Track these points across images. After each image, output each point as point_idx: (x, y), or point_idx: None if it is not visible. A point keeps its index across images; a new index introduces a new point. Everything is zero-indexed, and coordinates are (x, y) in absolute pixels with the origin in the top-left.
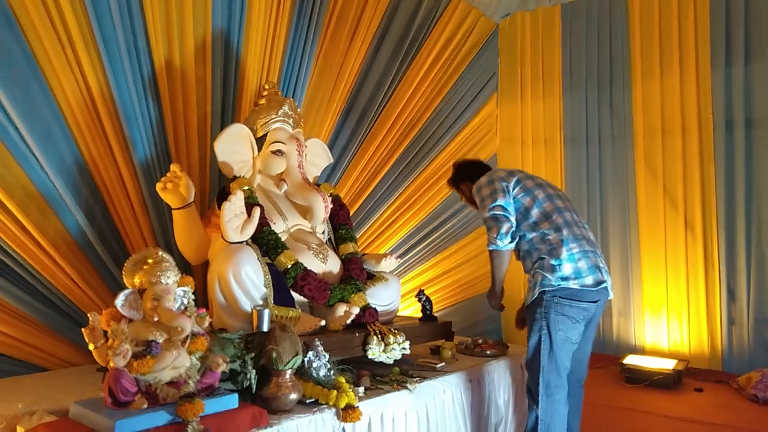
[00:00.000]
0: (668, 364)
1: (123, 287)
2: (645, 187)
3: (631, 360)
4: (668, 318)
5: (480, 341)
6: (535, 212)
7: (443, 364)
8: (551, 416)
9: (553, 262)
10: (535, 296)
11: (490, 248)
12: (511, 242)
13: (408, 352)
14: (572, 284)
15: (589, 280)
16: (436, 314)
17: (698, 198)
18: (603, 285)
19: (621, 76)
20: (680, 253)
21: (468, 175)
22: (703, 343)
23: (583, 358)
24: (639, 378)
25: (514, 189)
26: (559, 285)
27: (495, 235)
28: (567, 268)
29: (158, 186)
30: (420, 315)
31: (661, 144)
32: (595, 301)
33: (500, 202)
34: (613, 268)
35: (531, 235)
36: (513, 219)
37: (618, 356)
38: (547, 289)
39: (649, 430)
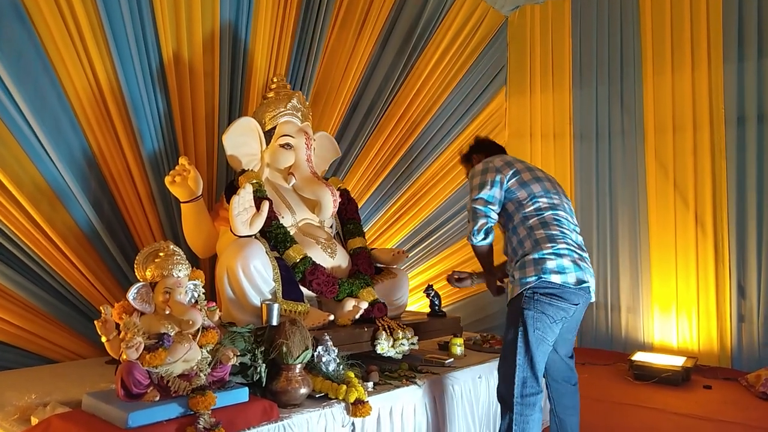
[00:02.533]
0: (677, 362)
1: (131, 280)
2: (655, 183)
3: (639, 357)
4: (677, 315)
5: (488, 337)
6: (528, 207)
7: (452, 359)
8: (526, 421)
9: (536, 256)
10: (515, 293)
11: (469, 242)
12: (485, 239)
13: (416, 347)
14: (554, 278)
15: (571, 277)
16: (444, 309)
17: (709, 194)
18: (585, 285)
19: (632, 71)
20: (690, 249)
21: (482, 149)
22: (713, 341)
23: (565, 358)
24: (648, 375)
25: (509, 180)
26: (540, 279)
27: (470, 231)
28: (550, 263)
29: (167, 179)
30: (428, 310)
31: (672, 139)
32: (576, 304)
33: (484, 194)
34: (622, 264)
35: (520, 230)
36: (494, 214)
37: (626, 353)
38: (527, 285)
39: (658, 427)
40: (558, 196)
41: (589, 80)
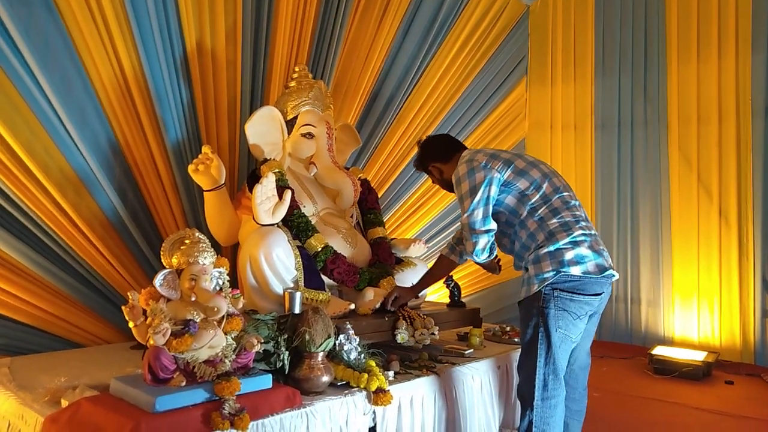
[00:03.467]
0: (698, 356)
1: (154, 266)
2: (678, 175)
3: (659, 351)
4: (699, 309)
5: (507, 328)
6: (533, 197)
7: (471, 350)
8: (546, 422)
9: (551, 248)
10: (532, 291)
11: (470, 258)
12: (489, 255)
13: (437, 337)
14: (573, 270)
15: (591, 266)
16: (463, 300)
17: (734, 187)
18: (607, 272)
19: (656, 60)
20: (713, 242)
21: (436, 154)
22: (735, 335)
23: (583, 356)
24: (668, 369)
25: (504, 173)
26: (558, 274)
27: (470, 250)
28: (568, 254)
29: (190, 168)
30: (448, 301)
31: (697, 131)
32: (599, 294)
33: (478, 200)
34: (642, 257)
35: (529, 223)
36: (493, 223)
37: (646, 347)
38: (545, 282)
39: (678, 422)
40: (557, 177)
41: (611, 70)
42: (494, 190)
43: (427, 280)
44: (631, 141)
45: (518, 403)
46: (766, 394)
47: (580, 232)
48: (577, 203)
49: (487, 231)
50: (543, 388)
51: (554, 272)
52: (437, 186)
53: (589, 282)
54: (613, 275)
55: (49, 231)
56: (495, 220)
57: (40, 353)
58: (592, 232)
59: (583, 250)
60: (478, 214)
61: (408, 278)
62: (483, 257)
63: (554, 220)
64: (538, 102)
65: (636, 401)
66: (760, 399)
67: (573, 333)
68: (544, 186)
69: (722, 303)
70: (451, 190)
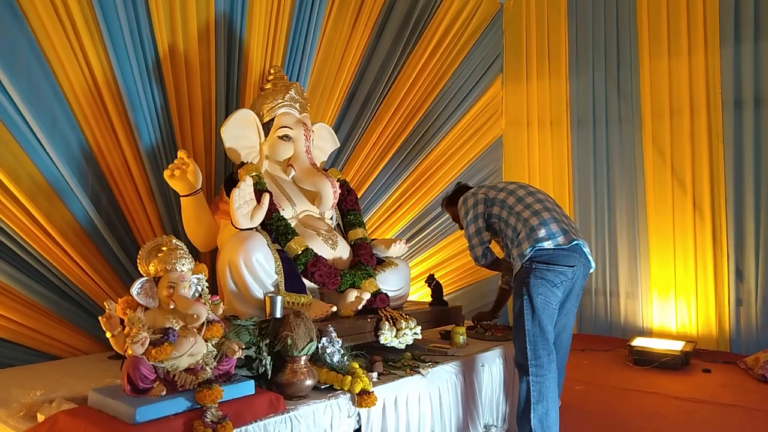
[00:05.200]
0: (676, 346)
1: (131, 275)
2: (653, 168)
3: (639, 342)
4: (676, 300)
5: (490, 325)
6: (510, 200)
7: (455, 348)
8: (542, 382)
9: (527, 230)
10: (517, 269)
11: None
12: (487, 259)
13: (420, 337)
14: (546, 245)
15: (561, 239)
16: (445, 299)
17: (707, 179)
18: (574, 243)
19: (628, 56)
20: (688, 234)
21: (451, 201)
22: (711, 325)
23: (563, 334)
24: (647, 360)
25: (479, 207)
26: (533, 249)
27: (475, 258)
28: (540, 232)
29: (166, 173)
30: (430, 299)
31: (669, 124)
32: (572, 266)
33: (473, 222)
34: (620, 250)
35: (510, 219)
36: (487, 234)
37: (626, 338)
38: (525, 257)
39: (659, 411)
40: (538, 191)
41: (585, 66)
42: (480, 220)
43: (499, 306)
44: (606, 136)
45: (501, 400)
46: (742, 380)
47: (548, 214)
48: (549, 201)
49: (481, 242)
50: (534, 350)
51: (530, 248)
52: (416, 185)
53: (561, 254)
54: (580, 245)
55: (20, 241)
56: (491, 229)
57: (15, 367)
58: (565, 218)
59: (553, 228)
60: (473, 232)
61: (389, 278)
62: (483, 262)
63: (527, 211)
64: (514, 99)
65: (617, 392)
66: (736, 386)
67: (552, 300)
68: (519, 191)
69: (698, 293)
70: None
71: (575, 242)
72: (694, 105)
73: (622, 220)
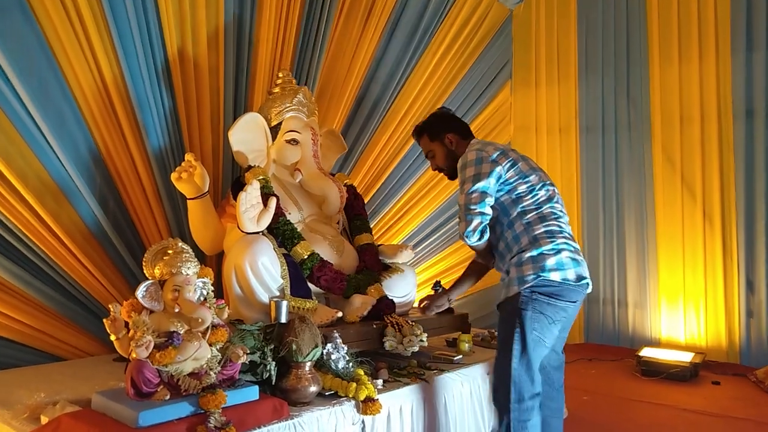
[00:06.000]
0: (685, 357)
1: (138, 277)
2: (662, 176)
3: (647, 352)
4: (685, 310)
5: (496, 333)
6: (526, 201)
7: (461, 356)
8: (524, 427)
9: (533, 253)
10: (511, 293)
11: (462, 241)
12: (480, 239)
13: (425, 344)
14: (553, 276)
15: (570, 274)
16: (451, 305)
17: (717, 187)
18: (584, 281)
19: (638, 62)
20: (698, 243)
21: (458, 126)
22: (721, 336)
23: (554, 357)
24: (655, 371)
25: (507, 171)
26: (538, 278)
27: (462, 231)
28: (549, 260)
29: (173, 176)
30: None
31: (680, 132)
32: (574, 301)
33: (480, 186)
34: (628, 259)
35: (516, 225)
36: (489, 209)
37: (633, 349)
38: (525, 284)
39: (667, 423)
40: (552, 187)
41: (595, 72)
42: (494, 184)
43: (458, 285)
44: (615, 143)
45: None
46: (753, 393)
47: (563, 240)
48: (566, 217)
49: (482, 213)
50: (518, 391)
51: (534, 276)
52: (424, 191)
53: (567, 288)
54: (588, 284)
55: (26, 240)
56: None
57: (20, 368)
58: (575, 244)
59: (564, 258)
60: (477, 196)
61: (395, 284)
62: (474, 239)
63: (540, 227)
64: (523, 105)
65: (625, 403)
66: (746, 399)
67: (547, 337)
68: (540, 193)
69: (708, 304)
70: (447, 170)
71: (585, 281)
72: (705, 113)
73: (631, 228)
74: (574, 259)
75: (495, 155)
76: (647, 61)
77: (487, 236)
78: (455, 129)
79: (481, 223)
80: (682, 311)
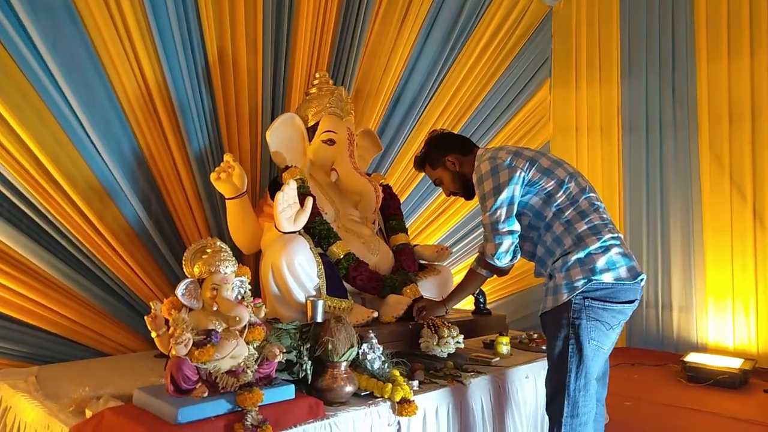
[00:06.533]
0: (734, 363)
1: (178, 275)
2: (710, 176)
3: (693, 358)
4: (734, 315)
5: (535, 336)
6: (560, 197)
7: (498, 359)
8: None
9: (581, 254)
10: (561, 301)
11: (490, 262)
12: (512, 260)
13: (462, 345)
14: (605, 278)
15: (623, 272)
16: (489, 307)
17: None
18: (639, 277)
19: (684, 59)
20: (748, 246)
21: (455, 146)
22: None
23: (604, 370)
24: (702, 377)
25: (529, 172)
26: (589, 282)
27: (492, 253)
28: (599, 260)
29: (212, 176)
30: (473, 308)
31: (728, 130)
32: (632, 301)
33: (503, 199)
34: (673, 261)
35: (555, 226)
36: (517, 224)
37: (678, 354)
38: (576, 291)
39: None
40: (582, 177)
41: (638, 70)
42: (518, 190)
43: (457, 295)
44: (660, 143)
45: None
46: None
47: (610, 236)
48: (602, 205)
49: (511, 232)
50: (573, 406)
51: (585, 280)
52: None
53: (622, 289)
54: (644, 279)
55: (74, 240)
56: (518, 222)
57: (67, 362)
58: (620, 235)
59: (614, 256)
60: (502, 213)
61: (431, 285)
62: (505, 261)
63: (582, 224)
64: (563, 104)
65: (669, 410)
66: None
67: (606, 344)
68: (570, 186)
69: (759, 308)
70: (461, 191)
71: (641, 277)
72: (756, 109)
73: (676, 230)
74: (624, 255)
75: (509, 159)
76: (694, 57)
77: (519, 255)
78: (454, 148)
79: (513, 243)
80: (730, 315)
